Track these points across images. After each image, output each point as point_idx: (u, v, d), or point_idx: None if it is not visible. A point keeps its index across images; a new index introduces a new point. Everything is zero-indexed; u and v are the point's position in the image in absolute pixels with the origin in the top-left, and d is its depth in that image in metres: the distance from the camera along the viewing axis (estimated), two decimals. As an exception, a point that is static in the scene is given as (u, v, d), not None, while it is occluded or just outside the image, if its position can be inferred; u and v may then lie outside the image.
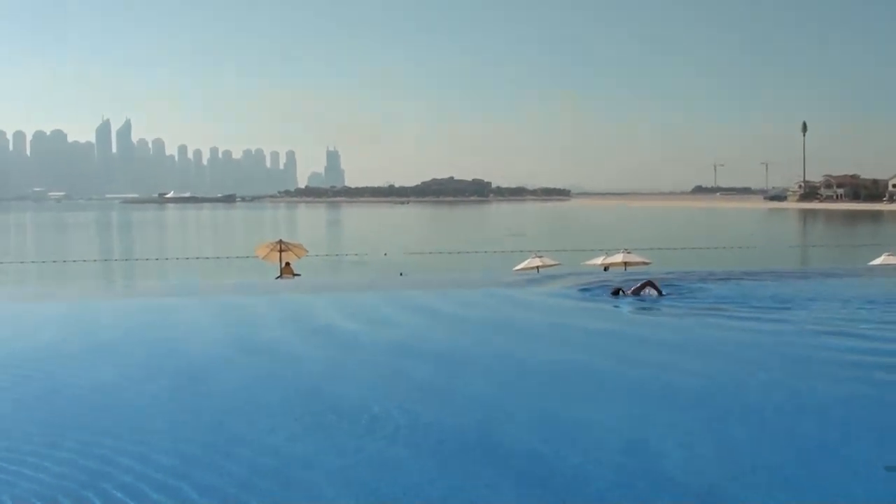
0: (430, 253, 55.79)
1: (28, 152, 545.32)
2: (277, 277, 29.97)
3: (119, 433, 6.29)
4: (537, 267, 31.85)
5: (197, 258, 57.04)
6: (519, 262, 34.23)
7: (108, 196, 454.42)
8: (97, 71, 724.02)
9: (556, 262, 33.89)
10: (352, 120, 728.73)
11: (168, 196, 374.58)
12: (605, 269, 31.30)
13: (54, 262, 55.71)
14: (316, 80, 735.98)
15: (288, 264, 31.95)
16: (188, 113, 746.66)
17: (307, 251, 34.81)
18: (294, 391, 7.81)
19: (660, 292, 13.29)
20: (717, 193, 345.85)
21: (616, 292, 13.48)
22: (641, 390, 7.71)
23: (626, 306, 12.74)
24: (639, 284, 13.52)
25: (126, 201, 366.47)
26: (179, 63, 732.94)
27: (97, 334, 11.34)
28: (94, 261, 64.88)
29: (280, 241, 33.54)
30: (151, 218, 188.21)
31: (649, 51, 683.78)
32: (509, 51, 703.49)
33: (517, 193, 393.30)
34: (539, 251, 35.51)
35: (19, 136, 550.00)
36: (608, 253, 33.70)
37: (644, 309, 12.56)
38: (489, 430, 6.35)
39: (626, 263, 31.58)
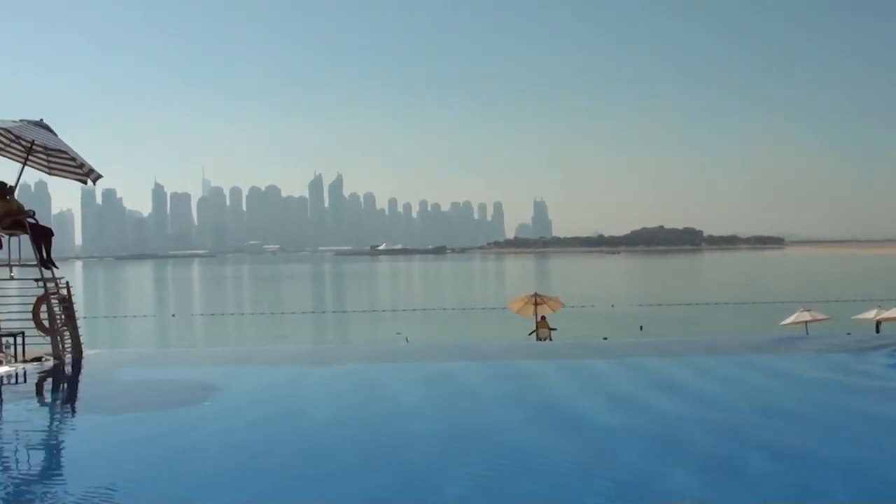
0: (661, 305, 53.37)
1: (244, 207, 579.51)
2: (532, 333, 28.77)
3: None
4: (806, 322, 29.04)
5: (440, 309, 57.17)
6: (785, 317, 31.18)
7: (320, 248, 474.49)
8: (310, 128, 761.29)
9: (827, 317, 30.79)
10: (559, 169, 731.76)
11: (380, 248, 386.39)
12: (878, 327, 28.14)
13: (293, 313, 56.94)
14: (521, 132, 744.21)
15: (543, 318, 30.54)
16: (398, 167, 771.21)
17: (563, 304, 33.29)
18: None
19: None
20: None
21: None
22: None
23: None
24: None
25: (339, 253, 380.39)
26: (388, 120, 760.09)
27: (387, 401, 10.26)
28: (335, 312, 66.28)
29: (535, 295, 32.19)
30: (366, 269, 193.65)
31: (855, 85, 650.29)
32: (711, 95, 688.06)
33: (729, 242, 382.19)
34: (806, 304, 32.31)
35: (236, 192, 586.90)
36: (881, 305, 30.19)
37: None
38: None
39: None
